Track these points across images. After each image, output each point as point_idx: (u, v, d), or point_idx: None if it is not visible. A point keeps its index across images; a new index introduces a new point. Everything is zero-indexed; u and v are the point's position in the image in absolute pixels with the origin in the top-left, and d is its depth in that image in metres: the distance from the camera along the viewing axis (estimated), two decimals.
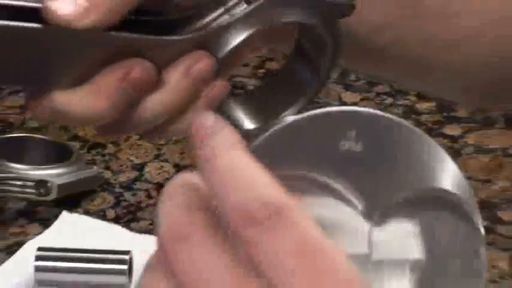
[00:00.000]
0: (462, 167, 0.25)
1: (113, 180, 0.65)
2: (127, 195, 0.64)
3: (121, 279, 0.51)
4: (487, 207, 0.62)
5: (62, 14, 0.24)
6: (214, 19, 0.28)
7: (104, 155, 0.68)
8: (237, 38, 0.27)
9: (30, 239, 0.56)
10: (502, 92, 0.41)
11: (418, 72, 0.38)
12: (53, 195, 0.57)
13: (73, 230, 0.57)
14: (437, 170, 0.25)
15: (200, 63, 0.27)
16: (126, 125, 0.28)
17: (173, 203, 0.20)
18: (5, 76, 0.27)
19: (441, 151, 0.25)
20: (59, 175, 0.58)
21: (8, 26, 0.24)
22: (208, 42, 0.27)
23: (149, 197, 0.63)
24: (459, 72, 0.38)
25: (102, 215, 0.61)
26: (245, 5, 0.28)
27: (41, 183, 0.57)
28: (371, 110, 0.24)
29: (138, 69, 0.26)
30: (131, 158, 0.68)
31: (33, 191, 0.57)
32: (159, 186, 0.64)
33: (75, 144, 0.67)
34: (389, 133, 0.24)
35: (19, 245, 0.56)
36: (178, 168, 0.67)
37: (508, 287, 0.56)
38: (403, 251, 0.25)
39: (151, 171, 0.67)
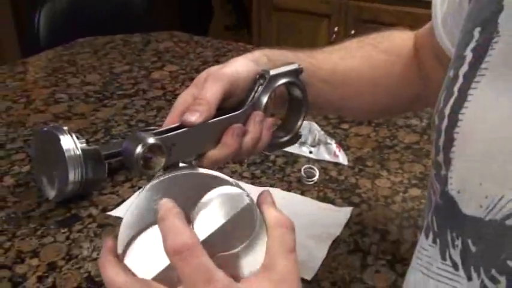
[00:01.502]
0: None
1: None
2: None
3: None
4: None
5: (194, 119, 0.54)
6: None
7: None
8: (266, 97, 0.59)
9: None
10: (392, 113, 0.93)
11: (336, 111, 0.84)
12: None
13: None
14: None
15: (261, 115, 0.59)
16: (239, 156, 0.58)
17: None
18: (184, 156, 0.54)
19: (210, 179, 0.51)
20: None
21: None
22: (256, 105, 0.59)
23: None
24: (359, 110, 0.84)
25: None
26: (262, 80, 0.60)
27: None
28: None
29: (239, 129, 0.57)
30: None
31: None
32: None
33: None
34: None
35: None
36: None
37: None
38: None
39: None
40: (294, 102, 0.65)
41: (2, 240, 0.85)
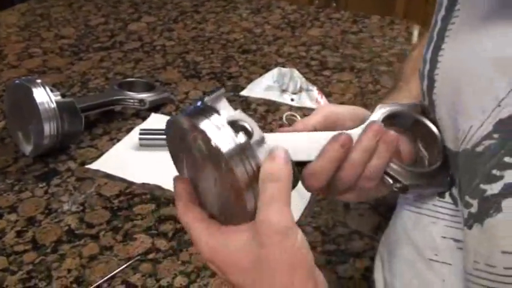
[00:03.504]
0: None
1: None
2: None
3: None
4: None
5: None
6: None
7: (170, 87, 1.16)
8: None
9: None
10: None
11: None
12: (147, 106, 1.05)
13: (156, 122, 1.03)
14: None
15: (377, 126, 0.51)
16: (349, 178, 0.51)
17: None
18: None
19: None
20: (149, 96, 1.05)
21: None
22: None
23: None
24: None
25: None
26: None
27: (141, 101, 1.04)
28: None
29: (344, 137, 0.50)
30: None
31: (138, 104, 1.04)
32: None
33: (157, 83, 1.15)
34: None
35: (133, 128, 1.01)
36: None
37: None
38: None
39: None
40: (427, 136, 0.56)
41: None
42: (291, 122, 1.00)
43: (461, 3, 0.50)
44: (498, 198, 0.41)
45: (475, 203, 0.43)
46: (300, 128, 0.52)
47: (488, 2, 0.46)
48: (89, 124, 0.99)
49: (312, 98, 1.06)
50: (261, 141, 0.43)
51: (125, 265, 0.71)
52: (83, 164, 0.90)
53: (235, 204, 0.44)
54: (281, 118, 1.02)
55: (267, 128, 1.00)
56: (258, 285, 0.44)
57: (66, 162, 0.91)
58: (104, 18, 1.48)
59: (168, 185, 0.84)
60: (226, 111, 0.43)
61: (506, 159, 0.41)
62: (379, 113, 0.54)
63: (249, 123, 0.43)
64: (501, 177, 0.41)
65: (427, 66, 0.53)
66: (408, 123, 0.56)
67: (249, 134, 0.43)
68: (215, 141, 0.41)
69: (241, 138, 0.42)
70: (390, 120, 0.54)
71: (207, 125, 0.42)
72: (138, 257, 0.72)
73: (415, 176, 0.52)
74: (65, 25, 1.44)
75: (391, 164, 0.51)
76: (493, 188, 0.42)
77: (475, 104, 0.46)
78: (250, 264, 0.43)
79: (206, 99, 0.43)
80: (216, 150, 0.41)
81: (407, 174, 0.51)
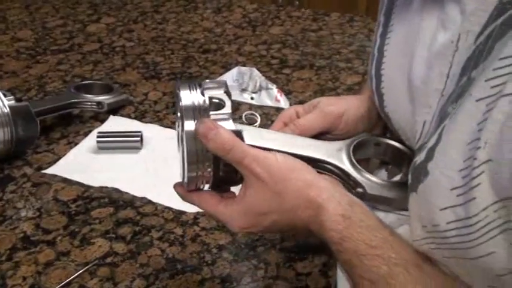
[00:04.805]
0: None
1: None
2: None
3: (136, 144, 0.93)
4: None
5: None
6: None
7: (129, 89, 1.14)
8: None
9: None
10: None
11: None
12: (105, 109, 1.02)
13: (115, 124, 1.01)
14: None
15: None
16: None
17: None
18: None
19: None
20: (107, 99, 1.03)
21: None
22: None
23: None
24: None
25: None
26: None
27: (99, 103, 1.02)
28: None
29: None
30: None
31: (96, 107, 1.02)
32: None
33: (116, 85, 1.12)
34: None
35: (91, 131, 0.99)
36: None
37: None
38: None
39: None
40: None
41: None
42: (251, 121, 1.00)
43: (394, 19, 0.57)
44: (424, 163, 0.45)
45: (410, 175, 0.47)
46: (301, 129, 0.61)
47: (416, 15, 0.53)
48: (46, 128, 0.98)
49: (272, 96, 1.06)
50: (227, 116, 0.52)
51: (82, 270, 0.70)
52: (39, 169, 0.89)
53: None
54: (241, 117, 1.02)
55: None
56: (285, 207, 0.50)
57: (21, 167, 0.89)
58: (62, 20, 1.45)
59: (126, 187, 0.84)
60: (215, 92, 0.53)
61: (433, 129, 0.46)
62: (348, 142, 0.60)
63: (225, 100, 0.52)
64: (426, 146, 0.46)
65: (374, 82, 0.59)
66: (380, 149, 0.62)
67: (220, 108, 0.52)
68: (182, 97, 0.51)
69: (205, 103, 0.51)
70: (359, 150, 0.60)
71: (185, 91, 0.52)
72: (96, 262, 0.72)
73: (375, 185, 0.55)
74: (22, 28, 1.41)
75: (362, 172, 0.56)
76: (421, 157, 0.46)
77: (422, 102, 0.50)
78: (273, 201, 0.50)
79: (206, 81, 0.54)
80: (180, 103, 0.51)
81: (371, 183, 0.55)
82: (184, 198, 0.56)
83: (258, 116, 1.01)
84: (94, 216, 0.79)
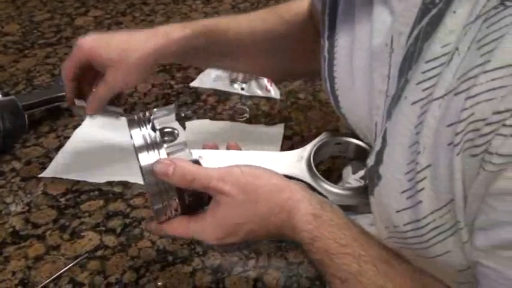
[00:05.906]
0: None
1: None
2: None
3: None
4: None
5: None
6: None
7: None
8: None
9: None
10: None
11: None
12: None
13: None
14: None
15: None
16: None
17: None
18: None
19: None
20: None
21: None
22: None
23: None
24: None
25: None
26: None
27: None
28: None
29: None
30: None
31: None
32: None
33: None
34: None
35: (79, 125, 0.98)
36: None
37: None
38: None
39: None
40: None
41: None
42: (241, 111, 1.00)
43: (339, 22, 0.57)
44: (375, 167, 0.46)
45: (367, 178, 0.48)
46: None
47: (355, 17, 0.54)
48: (34, 122, 0.97)
49: (262, 86, 1.05)
50: (182, 145, 0.52)
51: (72, 264, 0.70)
52: (28, 163, 0.88)
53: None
54: (231, 108, 1.01)
55: (217, 117, 0.99)
56: (259, 215, 0.50)
57: (10, 162, 0.88)
58: (49, 14, 1.44)
59: (116, 177, 0.82)
60: (166, 119, 0.53)
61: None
62: (308, 148, 0.61)
63: (177, 129, 0.53)
64: (373, 149, 0.46)
65: (328, 85, 0.59)
66: (342, 147, 0.63)
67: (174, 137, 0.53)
68: (133, 136, 0.52)
69: (157, 138, 0.52)
70: (321, 151, 0.61)
71: (135, 130, 0.53)
72: (86, 255, 0.71)
73: (336, 196, 0.56)
74: (9, 22, 1.39)
75: (322, 184, 0.57)
76: (371, 160, 0.47)
77: (372, 103, 0.51)
78: (247, 211, 0.50)
79: (154, 110, 0.54)
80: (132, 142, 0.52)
81: (332, 194, 0.57)
82: (156, 233, 0.56)
83: (247, 109, 1.01)
84: (84, 210, 0.79)
